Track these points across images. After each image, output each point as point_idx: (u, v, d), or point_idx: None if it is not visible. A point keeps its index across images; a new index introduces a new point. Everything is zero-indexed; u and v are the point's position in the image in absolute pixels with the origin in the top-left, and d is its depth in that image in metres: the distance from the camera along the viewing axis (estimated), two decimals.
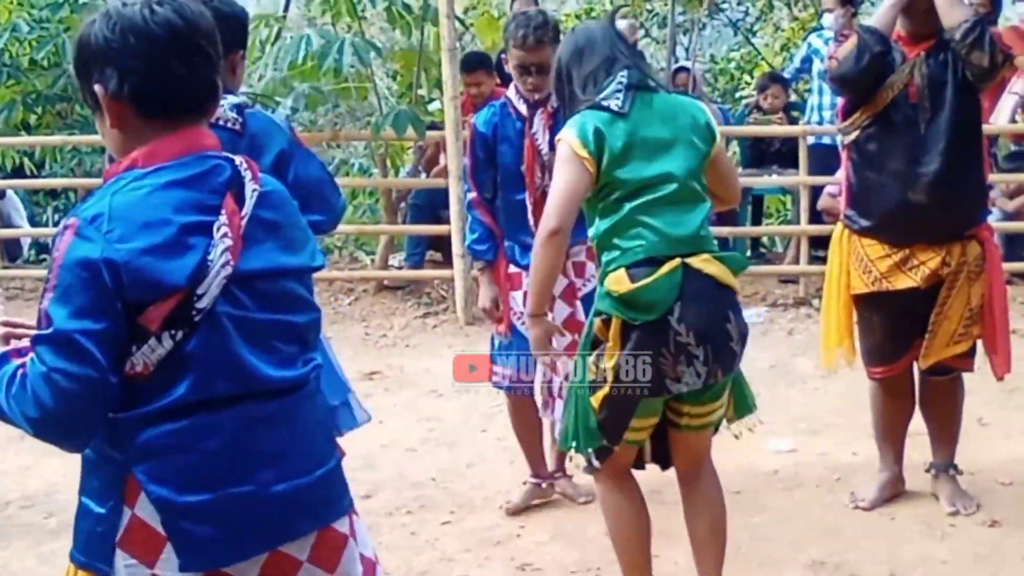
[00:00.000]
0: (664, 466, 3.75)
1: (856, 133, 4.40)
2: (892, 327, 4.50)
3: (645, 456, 3.70)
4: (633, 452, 3.60)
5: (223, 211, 2.08)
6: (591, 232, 3.51)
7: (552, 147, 4.09)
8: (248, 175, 2.16)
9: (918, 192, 4.29)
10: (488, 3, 13.91)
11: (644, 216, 3.37)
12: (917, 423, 4.72)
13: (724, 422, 3.66)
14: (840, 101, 4.61)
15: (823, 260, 4.99)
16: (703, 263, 3.37)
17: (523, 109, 4.51)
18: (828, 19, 8.56)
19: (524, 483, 4.84)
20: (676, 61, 9.91)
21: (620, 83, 3.44)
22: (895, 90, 4.29)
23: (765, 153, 9.27)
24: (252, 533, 2.11)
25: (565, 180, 3.40)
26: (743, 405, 3.67)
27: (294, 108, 8.87)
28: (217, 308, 2.06)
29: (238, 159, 2.18)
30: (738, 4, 13.45)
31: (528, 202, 4.49)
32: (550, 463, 4.86)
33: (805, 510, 4.69)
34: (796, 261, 8.65)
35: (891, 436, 4.70)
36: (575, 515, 4.70)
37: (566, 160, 3.40)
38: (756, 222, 9.95)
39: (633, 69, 3.48)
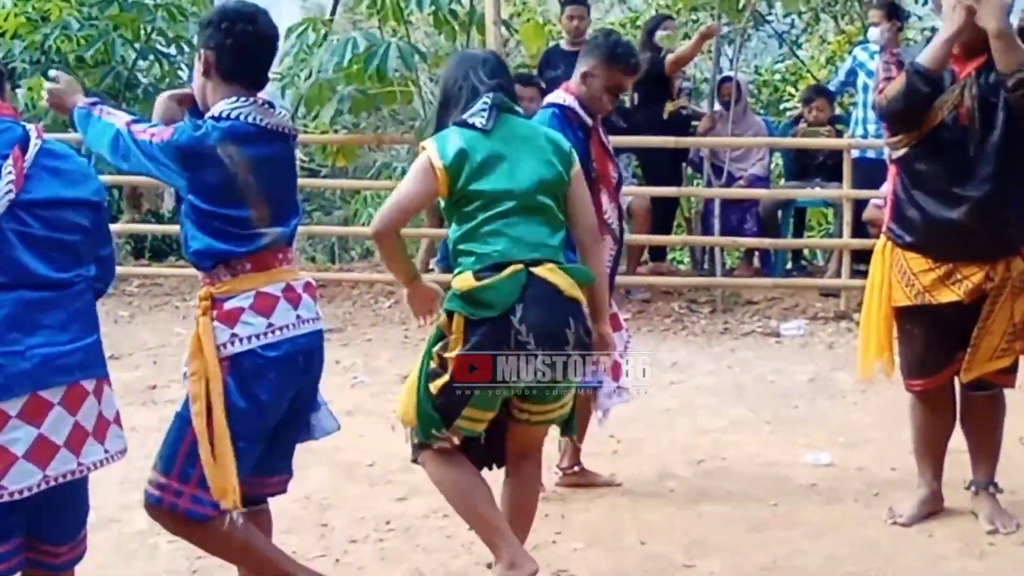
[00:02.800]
0: (493, 465, 3.95)
1: (904, 150, 4.37)
2: (933, 340, 4.48)
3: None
4: (459, 437, 3.75)
5: (10, 157, 2.95)
6: (450, 237, 3.76)
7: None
8: (34, 134, 3.04)
9: (964, 214, 4.26)
10: (533, 10, 13.93)
11: (498, 225, 3.64)
12: (957, 440, 4.69)
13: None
14: None
15: (865, 274, 4.96)
16: (547, 272, 3.62)
17: (587, 120, 4.68)
18: (874, 33, 8.51)
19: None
20: (720, 72, 9.87)
21: (485, 103, 3.75)
22: (945, 111, 4.26)
23: (809, 166, 9.23)
24: (18, 380, 2.92)
25: (408, 189, 3.72)
26: (568, 426, 3.98)
27: (338, 111, 8.94)
28: (4, 225, 2.92)
29: (29, 125, 3.07)
30: (784, 16, 13.38)
31: (608, 202, 4.71)
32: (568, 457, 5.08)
33: (842, 525, 4.67)
34: (838, 274, 8.62)
35: (930, 452, 4.67)
36: (611, 522, 4.70)
37: (419, 170, 3.72)
38: (798, 234, 9.91)
39: (497, 92, 3.77)
